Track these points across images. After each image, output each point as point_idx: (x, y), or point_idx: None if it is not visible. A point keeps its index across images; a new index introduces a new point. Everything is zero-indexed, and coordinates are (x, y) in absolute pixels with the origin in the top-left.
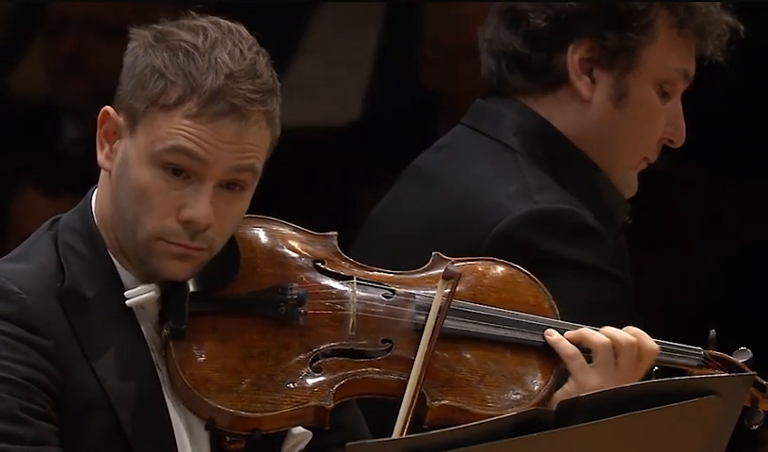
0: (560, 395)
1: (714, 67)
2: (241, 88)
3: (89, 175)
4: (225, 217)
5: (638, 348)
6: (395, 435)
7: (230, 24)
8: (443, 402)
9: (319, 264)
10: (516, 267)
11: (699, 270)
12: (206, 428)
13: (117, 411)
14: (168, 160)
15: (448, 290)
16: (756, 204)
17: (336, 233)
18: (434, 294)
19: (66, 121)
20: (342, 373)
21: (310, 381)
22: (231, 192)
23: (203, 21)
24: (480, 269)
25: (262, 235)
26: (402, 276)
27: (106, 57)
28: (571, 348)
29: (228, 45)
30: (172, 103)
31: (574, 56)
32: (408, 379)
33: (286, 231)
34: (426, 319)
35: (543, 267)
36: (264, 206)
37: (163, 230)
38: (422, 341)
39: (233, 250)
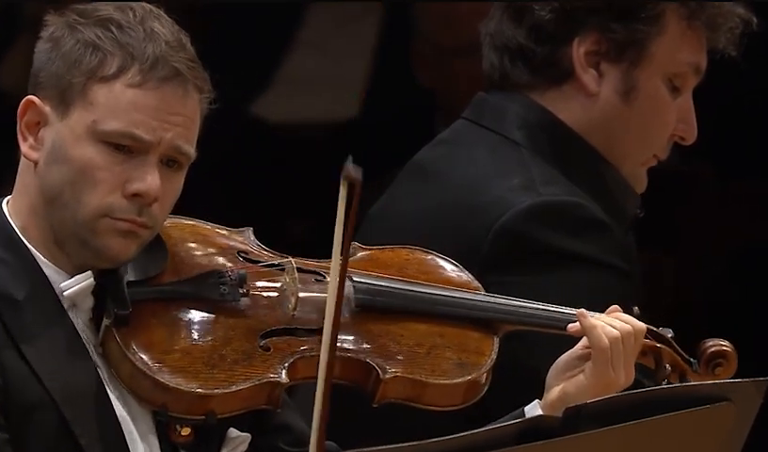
0: (571, 388)
1: (727, 62)
2: (180, 56)
3: None
4: (166, 193)
5: (640, 333)
6: (318, 403)
7: (149, 5)
8: (396, 373)
9: (243, 254)
10: (434, 253)
11: (709, 269)
12: (157, 417)
13: (62, 410)
14: (113, 140)
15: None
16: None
17: (251, 227)
18: (367, 278)
19: None
20: (290, 351)
21: (262, 360)
22: (170, 169)
23: (124, 2)
24: (400, 254)
25: (182, 231)
26: (327, 262)
27: None
28: (605, 340)
29: (155, 20)
30: (112, 73)
31: (580, 50)
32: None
33: (201, 226)
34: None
35: (548, 261)
36: (262, 203)
37: (109, 206)
38: (332, 262)
39: (160, 243)
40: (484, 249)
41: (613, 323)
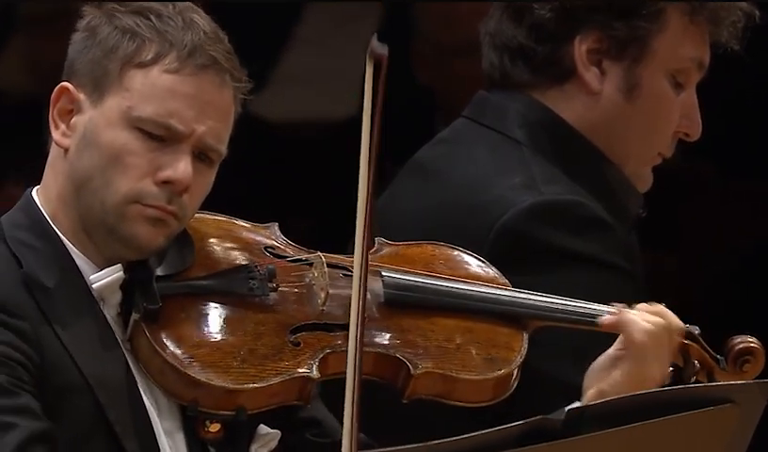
0: (606, 386)
1: (730, 57)
2: (218, 47)
3: None
4: (197, 186)
5: (675, 328)
6: (348, 393)
7: (190, 2)
8: (427, 368)
9: (270, 250)
10: (460, 249)
11: (712, 269)
12: (187, 413)
13: (97, 395)
14: (149, 128)
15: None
16: None
17: (277, 223)
18: (396, 273)
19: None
20: (321, 346)
21: (292, 355)
22: (201, 163)
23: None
24: (426, 250)
25: (208, 226)
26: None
27: None
28: (643, 336)
29: (194, 13)
30: (150, 59)
31: (581, 48)
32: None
33: (228, 222)
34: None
35: (550, 261)
36: (259, 202)
37: (139, 192)
38: (360, 170)
39: (187, 239)
40: (485, 248)
41: (648, 318)
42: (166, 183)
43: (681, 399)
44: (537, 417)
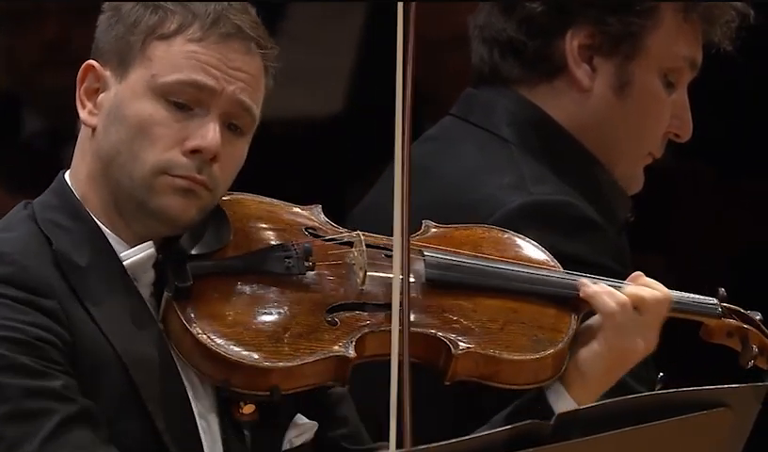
0: (586, 354)
1: (723, 57)
2: (243, 16)
3: (55, 169)
4: (228, 157)
5: (662, 301)
6: (393, 391)
7: None
8: (469, 348)
9: (311, 231)
10: (511, 232)
11: (704, 271)
12: (220, 394)
13: (131, 373)
14: (174, 92)
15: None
16: (765, 204)
17: (320, 205)
18: (439, 253)
19: (28, 114)
20: (358, 326)
21: (328, 334)
22: (232, 133)
23: None
24: (475, 232)
25: (248, 206)
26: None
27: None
28: (612, 305)
29: None
30: (173, 30)
31: (573, 43)
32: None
33: (270, 204)
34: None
35: None
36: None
37: (168, 162)
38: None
39: (223, 219)
40: None
41: (623, 288)
42: (194, 152)
43: (675, 403)
44: (528, 421)
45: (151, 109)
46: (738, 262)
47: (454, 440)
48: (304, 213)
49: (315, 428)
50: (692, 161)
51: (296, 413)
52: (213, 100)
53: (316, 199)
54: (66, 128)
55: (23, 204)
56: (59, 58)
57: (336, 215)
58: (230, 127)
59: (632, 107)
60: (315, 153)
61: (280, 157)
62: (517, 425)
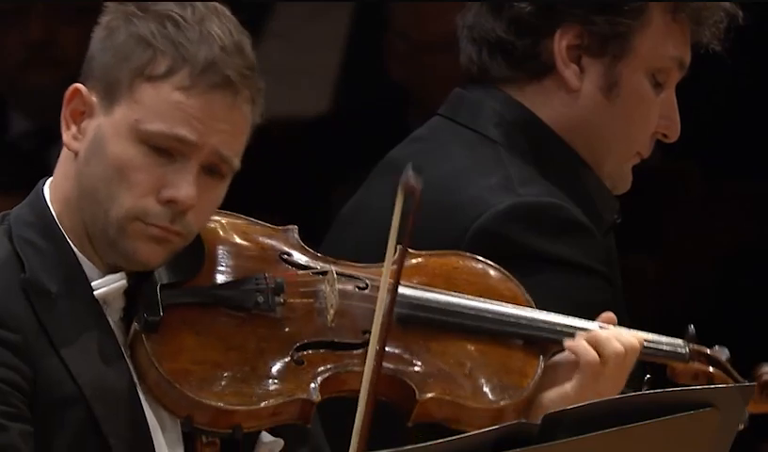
0: (554, 396)
1: (712, 57)
2: (235, 62)
3: (42, 169)
4: (204, 202)
5: (627, 353)
6: (356, 431)
7: (214, 2)
8: (432, 395)
9: (285, 256)
10: (485, 260)
11: (694, 272)
12: (183, 427)
13: (92, 406)
14: (156, 141)
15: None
16: (755, 204)
17: (296, 226)
18: (410, 290)
19: (14, 114)
20: (325, 366)
21: (294, 375)
22: (211, 178)
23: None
24: (449, 262)
25: (222, 229)
26: (371, 269)
27: (76, 44)
28: (593, 353)
29: (215, 21)
30: (161, 73)
31: (561, 43)
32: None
33: (245, 224)
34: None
35: (527, 265)
36: (229, 201)
37: (143, 209)
38: (384, 267)
39: (197, 243)
40: (461, 249)
41: (604, 342)
42: (169, 201)
43: (662, 403)
44: (515, 422)
45: (132, 153)
46: (726, 262)
47: (441, 440)
48: (280, 236)
49: (282, 445)
50: (680, 161)
51: (259, 433)
52: (194, 152)
53: (297, 200)
54: (53, 128)
55: (0, 216)
56: (45, 58)
57: (319, 216)
58: (210, 171)
59: (621, 107)
60: (301, 152)
61: (265, 158)
62: (504, 425)
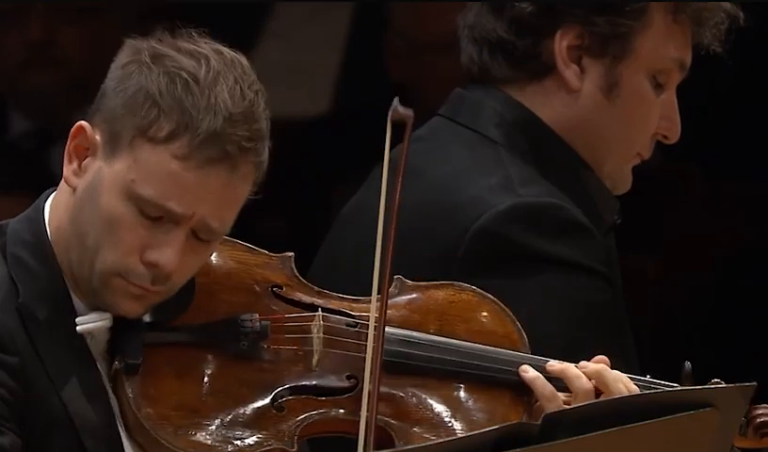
0: None
1: (713, 58)
2: (237, 134)
3: (43, 170)
4: (189, 264)
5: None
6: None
7: (232, 54)
8: (412, 444)
9: (276, 289)
10: (481, 294)
11: (694, 273)
12: None
13: (81, 436)
14: (145, 205)
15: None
16: (755, 205)
17: (293, 254)
18: (402, 329)
19: (14, 114)
20: (305, 413)
21: (272, 422)
22: (198, 242)
23: (205, 47)
24: (444, 297)
25: (215, 259)
26: (363, 304)
27: (76, 44)
28: (549, 389)
29: (229, 81)
30: (162, 137)
31: (562, 44)
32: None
33: (239, 252)
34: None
35: (527, 265)
36: None
37: (125, 267)
38: (379, 231)
39: (188, 281)
40: (461, 250)
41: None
42: (152, 264)
43: (661, 403)
44: (514, 422)
45: (122, 210)
46: (726, 262)
47: (441, 440)
48: (275, 264)
49: None
50: (680, 162)
51: None
52: (182, 220)
53: (298, 201)
54: (53, 128)
55: None
56: (45, 58)
57: (319, 216)
58: (198, 235)
59: (621, 108)
60: (301, 152)
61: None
62: (504, 425)
